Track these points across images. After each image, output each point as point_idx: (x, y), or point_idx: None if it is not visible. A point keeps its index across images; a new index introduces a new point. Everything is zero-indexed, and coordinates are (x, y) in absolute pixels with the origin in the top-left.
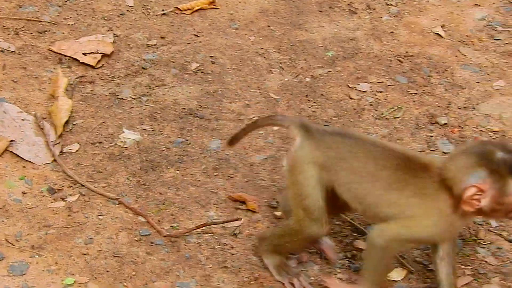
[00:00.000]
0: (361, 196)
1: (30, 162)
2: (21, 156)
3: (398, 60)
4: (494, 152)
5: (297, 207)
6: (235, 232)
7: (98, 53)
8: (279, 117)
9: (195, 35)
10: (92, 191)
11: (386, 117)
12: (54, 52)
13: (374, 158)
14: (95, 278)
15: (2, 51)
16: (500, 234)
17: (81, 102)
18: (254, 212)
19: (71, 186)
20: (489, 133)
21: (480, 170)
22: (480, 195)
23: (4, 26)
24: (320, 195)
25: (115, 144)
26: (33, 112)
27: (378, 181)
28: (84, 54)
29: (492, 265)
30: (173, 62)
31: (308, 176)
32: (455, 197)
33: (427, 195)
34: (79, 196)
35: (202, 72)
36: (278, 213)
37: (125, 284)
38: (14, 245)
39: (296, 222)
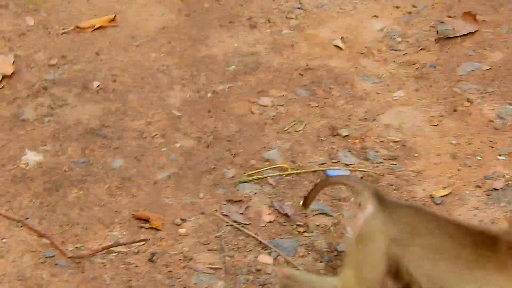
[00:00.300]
0: (436, 275)
1: None
2: None
3: (298, 73)
4: None
5: (356, 275)
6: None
7: None
8: (353, 179)
9: (96, 53)
10: None
11: (288, 130)
12: None
13: (450, 236)
14: None
15: None
16: None
17: None
18: (158, 230)
19: None
20: (390, 144)
21: None
22: None
23: None
24: (384, 269)
25: (18, 166)
26: None
27: (459, 259)
28: None
29: None
30: (75, 81)
31: (377, 248)
32: None
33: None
34: None
35: (103, 90)
36: (182, 230)
37: None
38: None
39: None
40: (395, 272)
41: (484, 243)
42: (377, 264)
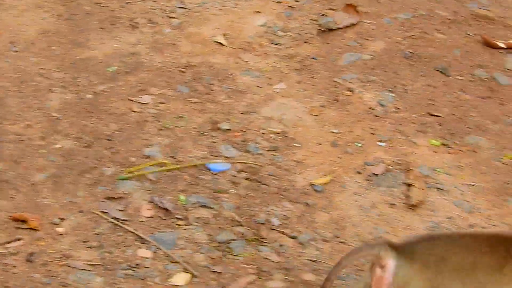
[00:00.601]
0: None
1: None
2: None
3: (180, 70)
4: None
5: None
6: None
7: None
8: (365, 247)
9: None
10: None
11: (169, 127)
12: None
13: (468, 248)
14: None
15: None
16: (283, 231)
17: None
18: (36, 230)
19: None
20: (271, 135)
21: None
22: None
23: None
24: None
25: None
26: None
27: (480, 268)
28: None
29: (275, 262)
30: None
31: None
32: None
33: None
34: None
35: None
36: (60, 229)
37: None
38: None
39: None
40: None
41: (500, 245)
42: None
